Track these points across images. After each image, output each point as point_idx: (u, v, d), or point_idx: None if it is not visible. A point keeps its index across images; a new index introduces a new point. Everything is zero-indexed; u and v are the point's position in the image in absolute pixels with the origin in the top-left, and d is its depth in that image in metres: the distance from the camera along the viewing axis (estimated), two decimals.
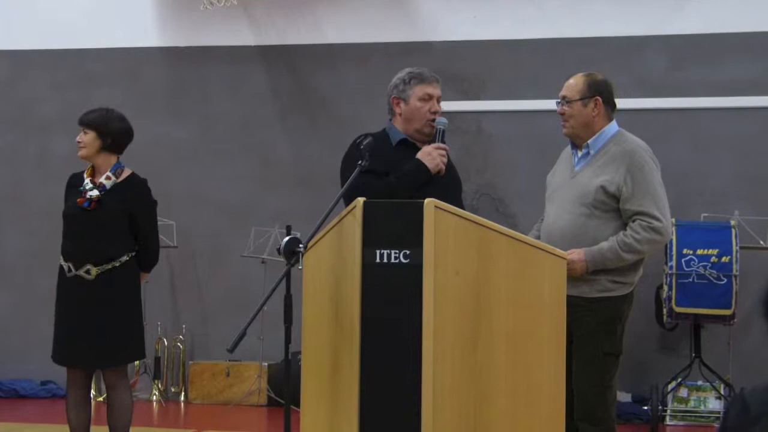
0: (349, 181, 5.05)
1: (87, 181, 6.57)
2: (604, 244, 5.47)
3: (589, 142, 5.64)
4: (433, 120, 5.53)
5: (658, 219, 5.48)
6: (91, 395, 6.75)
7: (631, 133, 5.78)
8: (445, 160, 5.47)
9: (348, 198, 5.00)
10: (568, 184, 5.67)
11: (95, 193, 6.51)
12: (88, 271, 6.47)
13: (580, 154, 5.70)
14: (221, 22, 10.74)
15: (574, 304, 5.26)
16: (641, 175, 5.53)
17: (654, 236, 5.48)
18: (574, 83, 5.69)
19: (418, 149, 5.52)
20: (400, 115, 5.56)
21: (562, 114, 5.67)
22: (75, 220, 6.57)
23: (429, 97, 5.53)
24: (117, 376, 6.60)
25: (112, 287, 6.46)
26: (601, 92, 5.66)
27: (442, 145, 5.48)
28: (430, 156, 5.43)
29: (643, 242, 5.46)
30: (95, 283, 6.46)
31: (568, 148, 5.82)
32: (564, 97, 5.68)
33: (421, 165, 5.41)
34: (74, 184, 6.67)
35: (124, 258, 6.50)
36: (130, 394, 6.74)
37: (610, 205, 5.53)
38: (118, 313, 6.49)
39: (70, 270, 6.52)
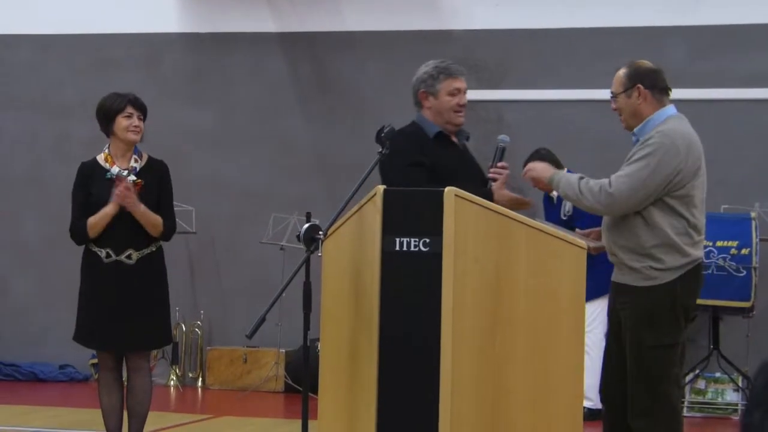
0: (396, 173, 5.18)
1: (115, 167, 6.50)
2: (574, 176, 5.52)
3: (635, 130, 5.57)
4: (460, 111, 5.62)
5: (615, 189, 5.33)
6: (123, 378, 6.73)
7: None
8: (503, 179, 5.58)
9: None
10: None
11: (134, 177, 6.47)
12: (129, 256, 6.43)
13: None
14: (242, 8, 10.74)
15: (622, 291, 5.35)
16: (641, 153, 5.42)
17: (600, 198, 5.35)
18: (617, 77, 5.61)
19: (451, 140, 5.67)
20: (429, 108, 5.65)
21: (615, 110, 5.62)
22: None
23: (458, 92, 5.63)
24: (141, 359, 6.60)
25: (151, 271, 6.48)
26: (641, 79, 5.53)
27: (502, 164, 5.62)
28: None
29: (589, 194, 5.38)
30: (136, 268, 6.43)
31: None
32: (612, 94, 5.63)
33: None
34: (90, 173, 6.55)
35: (159, 242, 6.53)
36: (151, 378, 6.75)
37: None
38: (157, 297, 6.52)
39: (109, 255, 6.43)
